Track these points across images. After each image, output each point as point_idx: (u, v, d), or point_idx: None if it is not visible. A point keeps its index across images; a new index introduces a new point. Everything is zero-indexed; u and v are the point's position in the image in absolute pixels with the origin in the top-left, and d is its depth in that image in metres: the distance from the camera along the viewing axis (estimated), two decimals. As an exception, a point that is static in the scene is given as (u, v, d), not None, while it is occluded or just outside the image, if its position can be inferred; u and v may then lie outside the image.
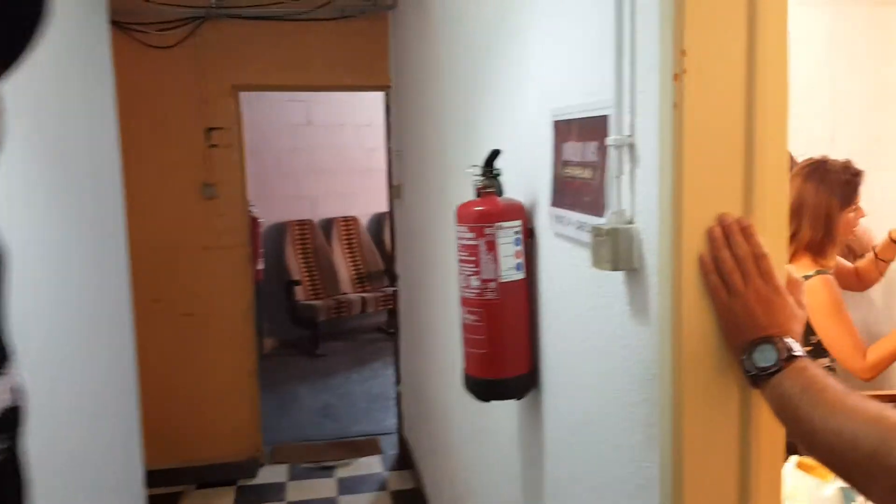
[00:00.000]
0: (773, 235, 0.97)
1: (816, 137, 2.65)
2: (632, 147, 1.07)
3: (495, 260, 1.50)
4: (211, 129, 3.73)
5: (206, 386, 3.89)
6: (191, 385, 3.87)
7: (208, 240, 3.81)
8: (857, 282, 2.47)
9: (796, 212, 2.12)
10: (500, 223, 1.50)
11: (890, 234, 2.36)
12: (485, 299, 1.52)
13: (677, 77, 0.94)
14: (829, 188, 2.13)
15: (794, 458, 1.53)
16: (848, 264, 2.45)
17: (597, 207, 1.18)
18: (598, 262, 1.11)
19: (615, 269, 1.08)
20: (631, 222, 1.08)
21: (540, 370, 1.56)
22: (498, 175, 1.62)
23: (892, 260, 2.39)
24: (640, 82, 1.04)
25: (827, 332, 2.07)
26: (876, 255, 2.40)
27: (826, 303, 2.07)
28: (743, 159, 0.96)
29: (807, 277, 2.07)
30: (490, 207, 1.54)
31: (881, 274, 2.43)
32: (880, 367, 2.06)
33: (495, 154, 1.62)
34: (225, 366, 3.91)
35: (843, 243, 2.28)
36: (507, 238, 1.51)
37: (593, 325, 1.25)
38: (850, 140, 2.73)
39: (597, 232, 1.10)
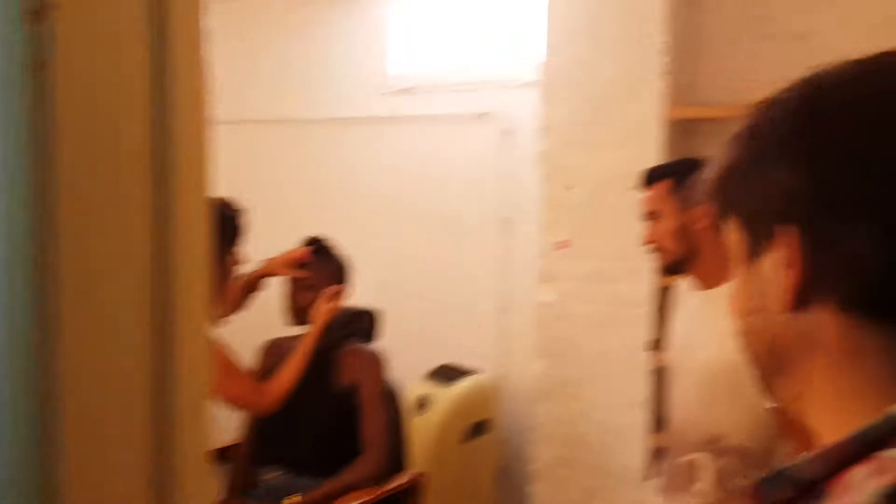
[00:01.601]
0: (195, 280, 0.65)
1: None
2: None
3: None
4: None
5: None
6: None
7: None
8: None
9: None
10: None
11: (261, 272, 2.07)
12: None
13: (40, 14, 0.51)
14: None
15: None
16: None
17: None
18: None
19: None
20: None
21: None
22: None
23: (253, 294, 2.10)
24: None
25: (223, 393, 1.81)
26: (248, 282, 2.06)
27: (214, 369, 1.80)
28: (150, 160, 0.60)
29: None
30: None
31: (239, 306, 2.07)
32: (283, 396, 1.94)
33: None
34: None
35: (236, 295, 2.01)
36: None
37: None
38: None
39: None
